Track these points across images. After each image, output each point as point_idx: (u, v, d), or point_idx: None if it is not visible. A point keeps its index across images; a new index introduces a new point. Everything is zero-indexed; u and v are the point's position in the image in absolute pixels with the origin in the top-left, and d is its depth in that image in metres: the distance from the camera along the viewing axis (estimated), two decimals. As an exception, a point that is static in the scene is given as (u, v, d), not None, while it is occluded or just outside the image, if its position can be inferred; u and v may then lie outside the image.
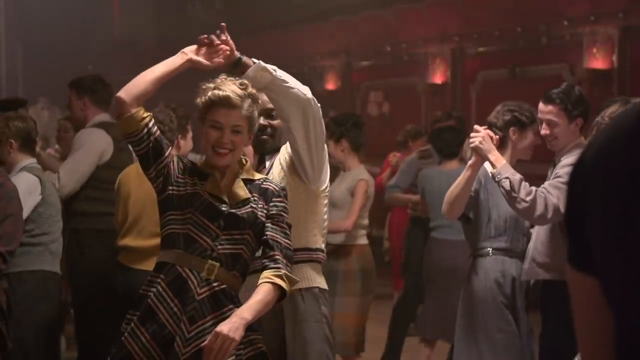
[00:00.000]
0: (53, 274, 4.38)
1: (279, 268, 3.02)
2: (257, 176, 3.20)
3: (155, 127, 3.07)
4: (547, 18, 9.61)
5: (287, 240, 3.08)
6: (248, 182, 3.14)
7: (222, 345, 2.80)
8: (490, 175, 3.92)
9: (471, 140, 3.93)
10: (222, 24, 3.16)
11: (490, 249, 4.17)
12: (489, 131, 3.97)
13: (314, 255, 3.39)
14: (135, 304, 3.05)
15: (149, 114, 3.06)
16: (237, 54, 3.15)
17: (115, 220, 4.50)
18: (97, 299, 4.87)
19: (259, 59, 3.19)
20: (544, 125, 4.01)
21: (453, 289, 5.50)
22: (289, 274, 3.02)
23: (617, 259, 1.12)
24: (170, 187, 3.07)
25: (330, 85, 12.85)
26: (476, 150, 3.93)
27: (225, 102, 3.03)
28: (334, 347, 3.44)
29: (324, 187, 3.38)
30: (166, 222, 3.08)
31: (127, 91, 3.00)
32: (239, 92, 3.04)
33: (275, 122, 3.44)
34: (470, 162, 4.00)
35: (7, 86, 13.88)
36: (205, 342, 2.85)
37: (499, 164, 3.84)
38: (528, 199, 3.74)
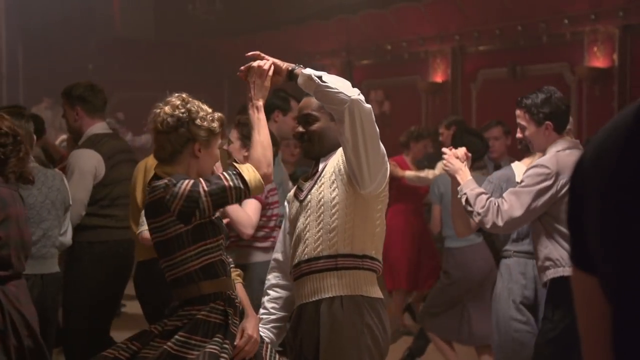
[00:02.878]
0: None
1: (236, 268, 3.43)
2: None
3: None
4: (547, 17, 9.62)
5: None
6: None
7: (252, 347, 3.23)
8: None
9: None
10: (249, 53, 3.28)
11: (512, 251, 4.37)
12: (455, 151, 4.14)
13: (360, 263, 3.27)
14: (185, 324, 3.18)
15: None
16: (288, 68, 3.24)
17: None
18: (86, 311, 4.85)
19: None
20: (518, 129, 4.16)
21: (489, 292, 5.66)
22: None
23: (614, 258, 1.13)
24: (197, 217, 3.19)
25: (331, 84, 12.86)
26: (446, 172, 4.17)
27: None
28: (378, 358, 3.30)
29: (378, 192, 3.26)
30: (199, 253, 3.17)
31: (270, 166, 3.24)
32: None
33: (313, 127, 3.40)
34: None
35: (8, 86, 13.90)
36: (239, 342, 3.20)
37: (463, 181, 4.04)
38: (481, 211, 3.93)
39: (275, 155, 4.82)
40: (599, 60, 9.05)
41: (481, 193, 3.98)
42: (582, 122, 9.00)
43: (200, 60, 14.80)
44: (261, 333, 3.42)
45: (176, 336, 3.10)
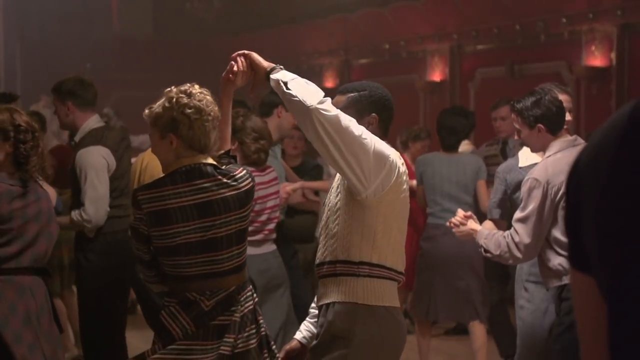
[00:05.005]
0: None
1: None
2: None
3: None
4: (545, 16, 9.62)
5: None
6: None
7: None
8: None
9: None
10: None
11: None
12: (454, 220, 4.23)
13: (356, 269, 3.14)
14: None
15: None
16: (266, 69, 3.17)
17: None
18: (102, 300, 4.89)
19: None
20: (515, 132, 4.23)
21: (460, 272, 5.71)
22: None
23: (610, 258, 1.14)
24: None
25: (329, 83, 12.87)
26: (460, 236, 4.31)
27: None
28: None
29: (380, 195, 3.11)
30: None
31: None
32: (156, 102, 3.34)
33: None
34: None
35: (6, 85, 13.88)
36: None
37: (477, 236, 4.15)
38: (500, 252, 4.01)
39: (268, 149, 4.85)
40: (596, 59, 9.06)
41: (493, 235, 4.05)
42: (580, 121, 9.01)
43: (199, 59, 14.79)
44: (305, 328, 3.44)
45: (260, 320, 3.39)
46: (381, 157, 3.09)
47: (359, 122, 3.20)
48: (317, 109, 2.98)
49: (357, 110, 3.28)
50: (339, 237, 3.18)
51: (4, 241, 3.76)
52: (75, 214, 4.82)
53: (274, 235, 4.88)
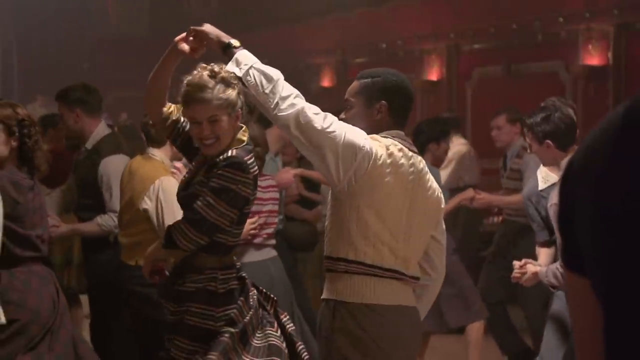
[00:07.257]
0: None
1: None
2: None
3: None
4: (542, 15, 9.63)
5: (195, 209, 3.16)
6: None
7: None
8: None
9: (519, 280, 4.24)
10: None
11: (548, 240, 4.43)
12: (515, 275, 4.19)
13: (335, 265, 3.08)
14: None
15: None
16: (222, 45, 3.14)
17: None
18: (110, 303, 4.86)
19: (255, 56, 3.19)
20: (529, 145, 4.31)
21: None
22: (173, 236, 3.17)
23: (604, 260, 1.14)
24: None
25: (326, 83, 12.86)
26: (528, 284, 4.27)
27: (195, 99, 3.15)
28: None
29: (349, 190, 3.02)
30: None
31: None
32: (207, 84, 3.14)
33: (346, 116, 3.17)
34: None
35: (3, 85, 13.88)
36: None
37: (539, 276, 4.10)
38: (559, 283, 3.98)
39: (263, 156, 4.82)
40: (594, 59, 9.06)
41: (550, 269, 4.03)
42: (577, 120, 9.01)
43: (196, 58, 14.76)
44: None
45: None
46: (351, 149, 2.98)
47: (368, 109, 3.15)
48: (273, 111, 2.97)
49: (366, 97, 3.17)
50: (326, 232, 3.15)
51: (23, 232, 3.81)
52: (104, 220, 4.80)
53: (273, 241, 4.85)
